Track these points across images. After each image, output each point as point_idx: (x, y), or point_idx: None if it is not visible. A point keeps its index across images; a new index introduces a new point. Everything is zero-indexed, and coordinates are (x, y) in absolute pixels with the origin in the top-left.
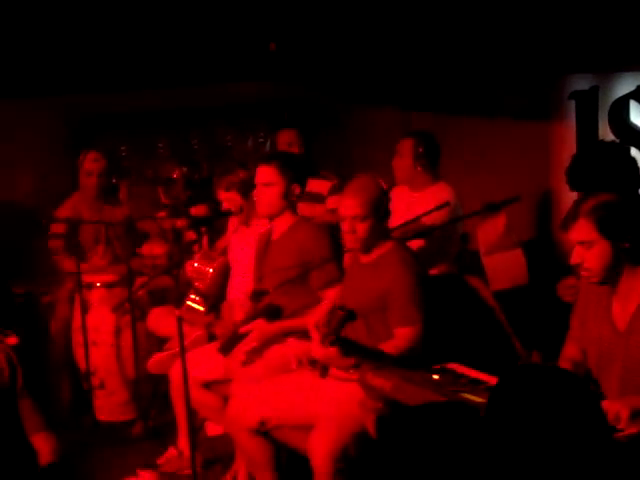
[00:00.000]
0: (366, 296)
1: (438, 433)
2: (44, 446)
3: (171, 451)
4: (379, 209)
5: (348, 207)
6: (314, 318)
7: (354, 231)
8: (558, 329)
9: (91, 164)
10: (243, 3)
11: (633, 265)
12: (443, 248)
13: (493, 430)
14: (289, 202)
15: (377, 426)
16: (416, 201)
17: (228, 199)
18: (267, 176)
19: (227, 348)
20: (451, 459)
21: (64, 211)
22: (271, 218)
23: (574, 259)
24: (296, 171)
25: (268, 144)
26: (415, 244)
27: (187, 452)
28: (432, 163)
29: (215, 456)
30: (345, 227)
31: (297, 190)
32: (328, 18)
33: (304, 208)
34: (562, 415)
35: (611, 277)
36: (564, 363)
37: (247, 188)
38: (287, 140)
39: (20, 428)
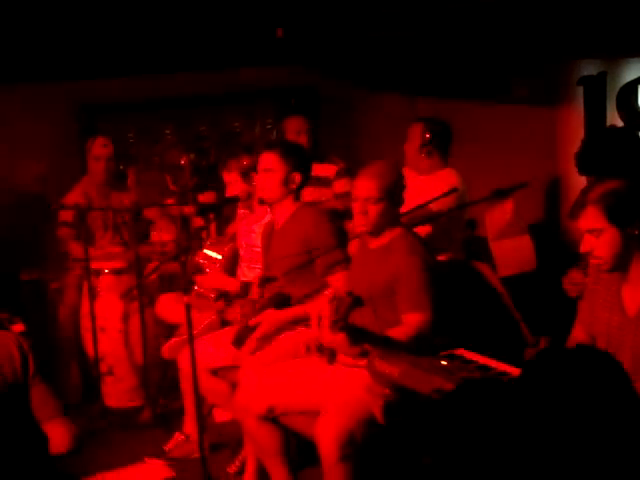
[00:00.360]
0: (374, 282)
1: (448, 419)
2: (58, 433)
3: (177, 436)
4: (393, 194)
5: (362, 188)
6: (316, 306)
7: (366, 212)
8: (566, 315)
9: (99, 149)
10: None
11: None
12: (449, 234)
13: (524, 414)
14: (289, 189)
15: (385, 412)
16: (422, 185)
17: (231, 181)
18: (268, 162)
19: (239, 341)
20: (459, 445)
21: (73, 197)
22: (270, 204)
23: (584, 247)
24: (298, 159)
25: (275, 131)
26: (422, 230)
27: (194, 436)
28: (441, 149)
29: (223, 441)
30: (357, 208)
31: (298, 178)
32: (335, 3)
33: (311, 192)
34: (598, 396)
35: (622, 264)
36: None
37: (250, 173)
38: (295, 128)
39: (31, 417)
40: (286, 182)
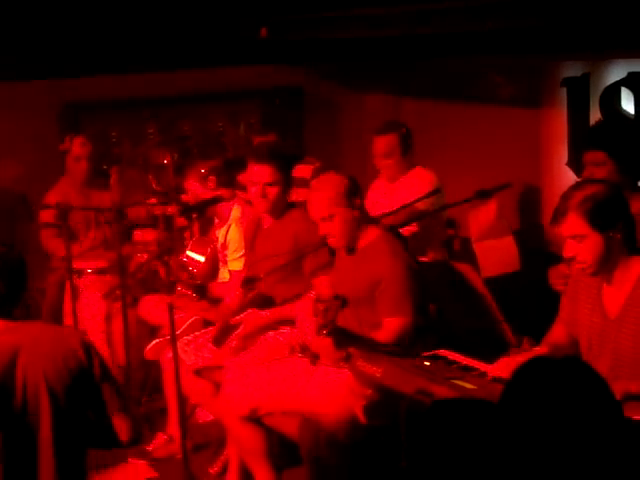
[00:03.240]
0: (356, 284)
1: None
2: (121, 425)
3: (160, 437)
4: (349, 200)
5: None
6: (301, 307)
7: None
8: (549, 315)
9: (80, 148)
10: None
11: (627, 255)
12: (430, 234)
13: (508, 428)
14: (286, 198)
15: (366, 412)
16: (396, 190)
17: (190, 189)
18: (269, 175)
19: (219, 340)
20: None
21: (53, 197)
22: (278, 216)
23: (567, 253)
24: (289, 166)
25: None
26: (407, 230)
27: (177, 436)
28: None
29: (205, 441)
30: (321, 229)
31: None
32: (319, 3)
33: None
34: (581, 408)
35: (606, 267)
36: (544, 347)
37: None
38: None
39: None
40: (285, 192)
